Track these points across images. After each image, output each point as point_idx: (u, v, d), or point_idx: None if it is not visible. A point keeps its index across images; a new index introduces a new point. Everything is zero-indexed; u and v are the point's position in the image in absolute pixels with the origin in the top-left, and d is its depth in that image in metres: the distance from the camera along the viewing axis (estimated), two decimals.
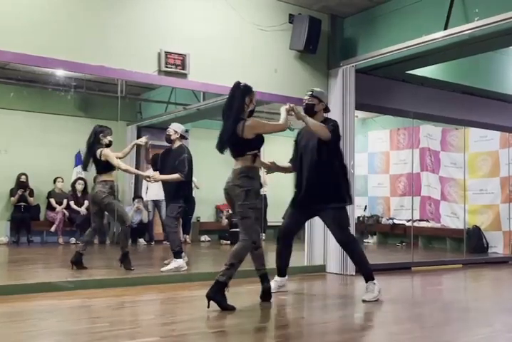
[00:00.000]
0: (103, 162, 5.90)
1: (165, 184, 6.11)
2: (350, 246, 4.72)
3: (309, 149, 4.66)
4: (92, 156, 5.99)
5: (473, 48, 6.08)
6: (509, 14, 4.97)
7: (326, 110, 4.84)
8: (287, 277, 4.91)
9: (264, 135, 4.29)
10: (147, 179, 6.05)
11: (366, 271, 4.70)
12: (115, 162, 5.89)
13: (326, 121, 4.69)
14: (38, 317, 3.91)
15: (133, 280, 5.25)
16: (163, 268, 5.79)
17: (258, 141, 4.27)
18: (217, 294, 4.00)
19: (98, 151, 5.91)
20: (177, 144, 6.11)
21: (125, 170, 6.19)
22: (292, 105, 4.46)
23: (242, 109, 4.24)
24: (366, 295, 4.58)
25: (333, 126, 4.58)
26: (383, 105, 7.03)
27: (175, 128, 6.10)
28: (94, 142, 5.99)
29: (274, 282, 4.79)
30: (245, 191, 4.14)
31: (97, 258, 7.45)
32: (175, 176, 5.89)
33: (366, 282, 4.66)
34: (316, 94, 4.72)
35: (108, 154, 5.89)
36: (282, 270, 4.87)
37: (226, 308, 4.00)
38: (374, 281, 4.63)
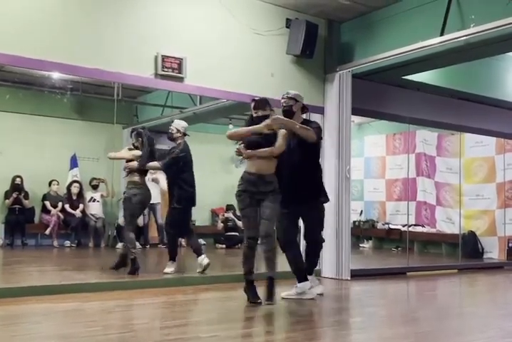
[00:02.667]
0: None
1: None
2: (320, 245, 5.01)
3: (292, 149, 4.69)
4: None
5: (469, 54, 6.11)
6: (505, 21, 4.99)
7: (304, 109, 4.95)
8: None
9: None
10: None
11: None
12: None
13: (306, 123, 4.80)
14: (33, 320, 3.89)
15: (128, 284, 5.22)
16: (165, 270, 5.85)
17: None
18: (246, 289, 4.49)
19: None
20: (178, 141, 5.94)
21: (114, 158, 6.08)
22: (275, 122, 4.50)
23: None
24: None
25: (318, 128, 4.76)
26: (379, 110, 7.04)
27: (177, 126, 5.94)
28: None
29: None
30: None
31: (92, 261, 7.44)
32: (155, 164, 5.87)
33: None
34: (292, 95, 4.82)
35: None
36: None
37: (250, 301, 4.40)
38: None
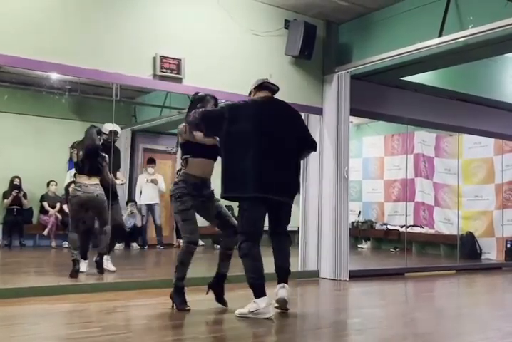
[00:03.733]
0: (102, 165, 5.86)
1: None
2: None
3: None
4: (95, 158, 5.88)
5: (468, 55, 6.12)
6: (503, 22, 5.00)
7: (261, 89, 4.60)
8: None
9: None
10: None
11: None
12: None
13: None
14: (30, 321, 3.88)
15: (126, 284, 5.22)
16: None
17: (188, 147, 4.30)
18: (174, 295, 4.25)
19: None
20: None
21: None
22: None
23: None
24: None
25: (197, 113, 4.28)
26: (377, 111, 7.05)
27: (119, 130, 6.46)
28: (98, 143, 5.94)
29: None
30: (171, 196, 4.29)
31: (89, 262, 7.41)
32: None
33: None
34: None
35: None
36: None
37: (178, 308, 4.19)
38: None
